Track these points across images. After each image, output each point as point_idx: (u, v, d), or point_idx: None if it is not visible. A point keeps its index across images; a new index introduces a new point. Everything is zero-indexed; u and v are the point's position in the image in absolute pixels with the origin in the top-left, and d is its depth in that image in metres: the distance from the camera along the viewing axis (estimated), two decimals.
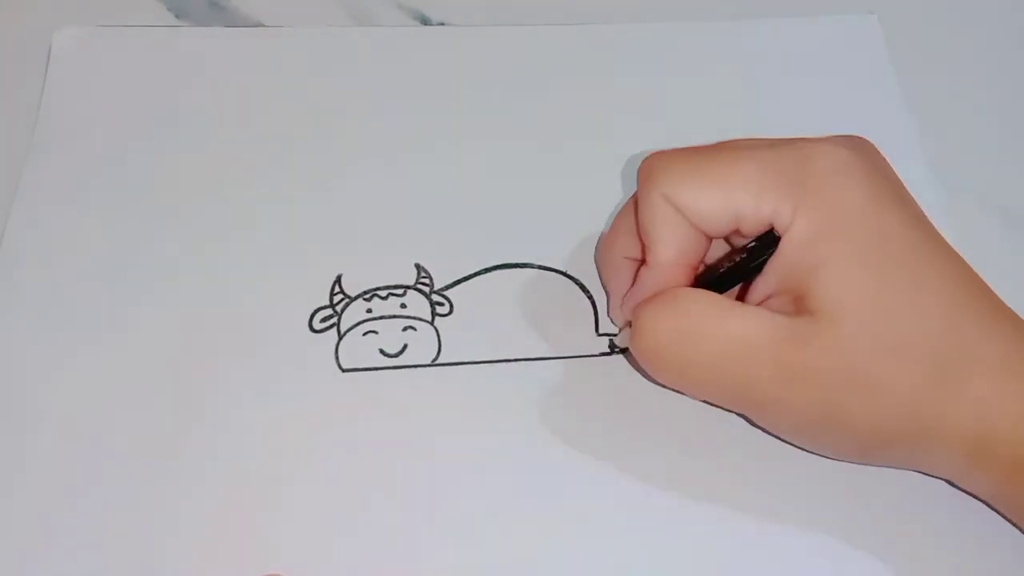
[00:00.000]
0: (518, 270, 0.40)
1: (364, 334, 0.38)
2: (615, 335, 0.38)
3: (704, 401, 0.35)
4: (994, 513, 0.34)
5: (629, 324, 0.35)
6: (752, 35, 0.46)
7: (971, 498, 0.34)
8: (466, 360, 0.38)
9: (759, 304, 0.33)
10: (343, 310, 0.39)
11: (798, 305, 0.32)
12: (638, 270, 0.36)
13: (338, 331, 0.38)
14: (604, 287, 0.39)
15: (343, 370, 0.37)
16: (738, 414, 0.36)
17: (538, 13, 0.47)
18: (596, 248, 0.40)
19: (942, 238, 0.33)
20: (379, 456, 0.36)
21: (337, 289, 0.39)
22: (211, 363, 0.37)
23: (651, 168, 0.34)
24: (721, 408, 0.36)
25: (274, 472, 0.35)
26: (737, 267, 0.34)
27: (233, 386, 0.37)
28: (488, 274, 0.40)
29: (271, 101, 0.44)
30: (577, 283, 0.40)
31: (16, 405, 0.36)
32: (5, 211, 0.40)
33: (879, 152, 0.34)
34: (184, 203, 0.41)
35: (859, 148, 0.33)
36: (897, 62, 0.45)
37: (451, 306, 0.39)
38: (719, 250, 0.36)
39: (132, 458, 0.35)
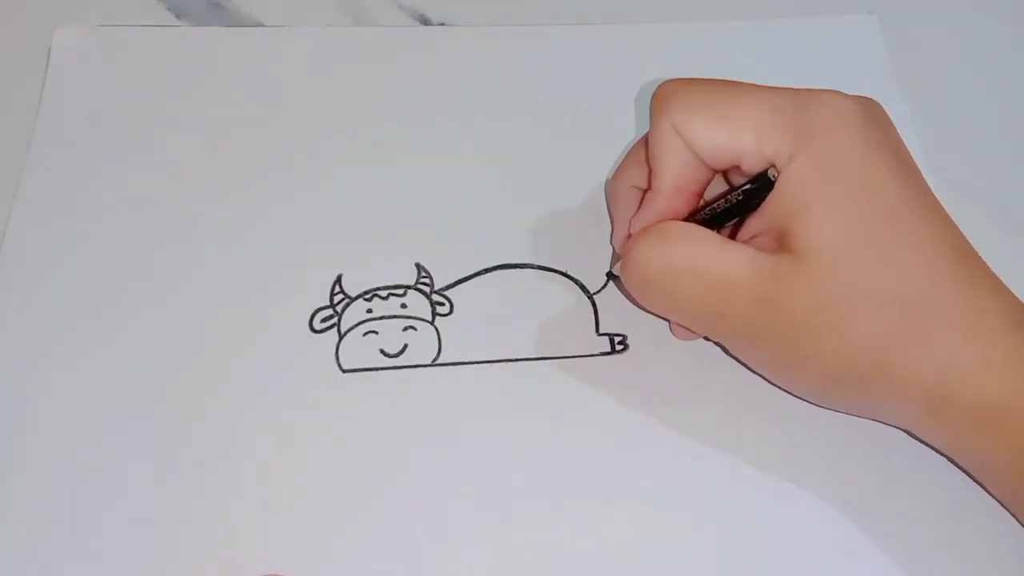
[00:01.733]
0: (518, 270, 0.40)
1: (364, 334, 0.38)
2: (616, 335, 0.38)
3: (685, 328, 0.37)
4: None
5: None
6: (752, 35, 0.46)
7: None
8: (466, 360, 0.38)
9: (748, 241, 0.34)
10: (343, 310, 0.39)
11: (781, 243, 0.33)
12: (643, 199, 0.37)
13: (338, 331, 0.38)
14: (611, 216, 0.40)
15: (343, 370, 0.37)
16: (715, 342, 0.38)
17: (538, 13, 0.47)
18: (607, 181, 0.41)
19: (932, 195, 0.34)
20: (379, 456, 0.36)
21: (337, 289, 0.39)
22: (212, 363, 0.37)
23: (664, 97, 0.35)
24: (705, 338, 0.38)
25: (274, 472, 0.35)
26: (731, 207, 0.35)
27: (233, 386, 0.37)
28: (488, 274, 0.40)
29: (271, 101, 0.44)
30: (577, 283, 0.40)
31: (16, 405, 0.36)
32: (5, 211, 0.40)
33: (882, 109, 0.35)
34: (184, 203, 0.41)
35: (861, 101, 0.34)
36: (897, 62, 0.45)
37: (451, 306, 0.39)
38: (720, 186, 0.37)
39: (132, 458, 0.35)
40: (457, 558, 0.34)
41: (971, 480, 0.35)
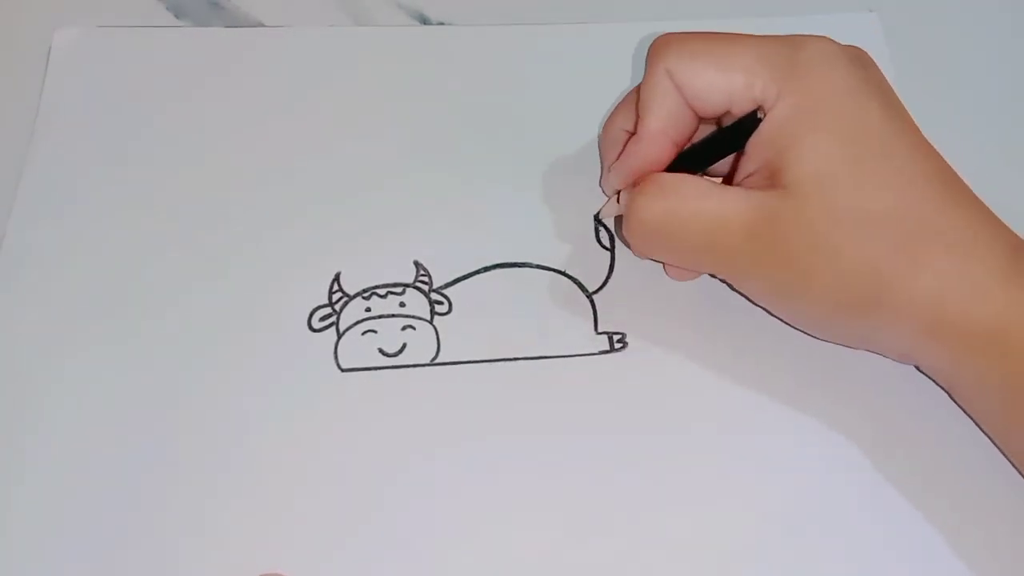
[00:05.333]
0: (517, 269, 0.40)
1: (363, 333, 0.38)
2: (615, 333, 0.38)
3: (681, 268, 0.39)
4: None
5: (616, 193, 0.39)
6: (752, 33, 0.46)
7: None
8: (465, 359, 0.38)
9: (743, 181, 0.36)
10: (342, 309, 0.39)
11: (773, 180, 0.34)
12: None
13: (337, 330, 0.38)
14: (601, 159, 0.41)
15: (342, 370, 0.37)
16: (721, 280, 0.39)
17: (538, 13, 0.47)
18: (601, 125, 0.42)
19: (919, 131, 0.35)
20: (378, 455, 0.36)
21: (336, 287, 0.39)
22: (210, 362, 0.37)
23: (660, 46, 0.37)
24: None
25: (273, 471, 0.35)
26: (717, 141, 0.37)
27: (232, 385, 0.37)
28: (487, 273, 0.39)
29: (271, 101, 0.44)
30: (576, 283, 0.40)
31: (17, 405, 0.36)
32: (6, 211, 0.40)
33: (868, 55, 0.36)
34: (183, 202, 0.41)
35: (847, 46, 0.36)
36: (897, 61, 0.45)
37: (450, 305, 0.39)
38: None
39: (132, 457, 0.35)
40: (456, 557, 0.34)
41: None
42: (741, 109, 0.35)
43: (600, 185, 0.41)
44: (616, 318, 0.39)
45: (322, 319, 0.38)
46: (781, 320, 0.38)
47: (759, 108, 0.35)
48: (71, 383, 0.37)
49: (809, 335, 0.37)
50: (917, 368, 0.37)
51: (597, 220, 0.41)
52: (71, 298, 0.39)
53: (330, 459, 0.36)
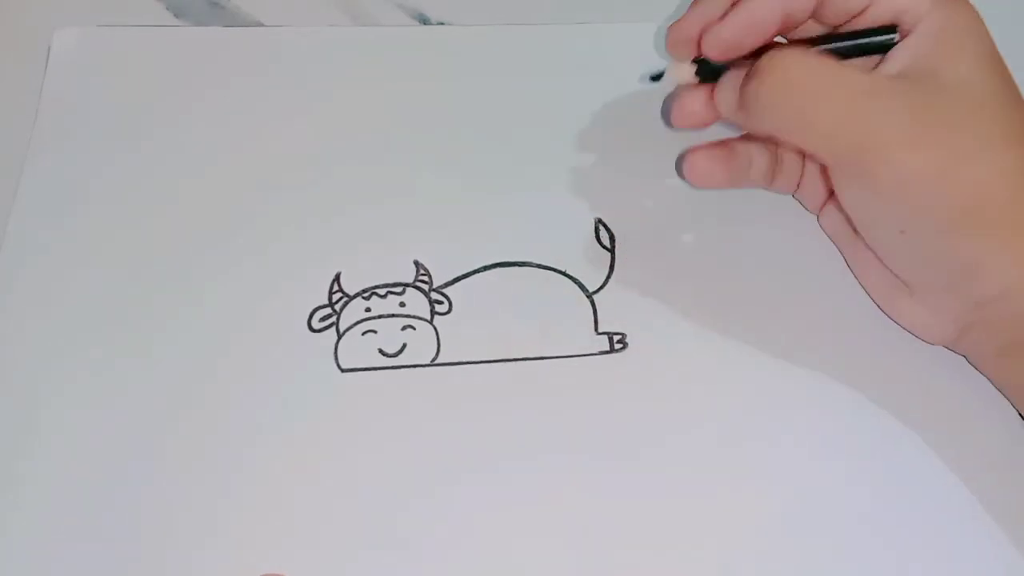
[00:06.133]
0: (517, 269, 0.40)
1: (363, 333, 0.38)
2: (615, 333, 0.38)
3: (805, 152, 0.38)
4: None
5: (695, 62, 0.37)
6: None
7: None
8: (465, 360, 0.38)
9: None
10: (342, 309, 0.39)
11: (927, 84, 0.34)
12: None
13: (337, 330, 0.38)
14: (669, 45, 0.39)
15: (342, 370, 0.37)
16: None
17: (538, 13, 0.47)
18: None
19: None
20: (378, 456, 0.36)
21: (336, 287, 0.39)
22: (211, 362, 0.37)
23: None
24: (822, 159, 0.35)
25: (273, 472, 0.35)
26: (842, 46, 0.35)
27: (232, 385, 0.37)
28: (487, 272, 0.39)
29: (270, 100, 0.44)
30: (576, 282, 0.40)
31: (17, 405, 0.36)
32: (5, 211, 0.40)
33: None
34: (183, 203, 0.41)
35: None
36: None
37: (450, 305, 0.39)
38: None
39: (131, 458, 0.35)
40: (456, 557, 0.34)
41: None
42: (880, 10, 0.35)
43: (667, 46, 0.39)
44: (616, 318, 0.39)
45: (322, 319, 0.38)
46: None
47: (895, 26, 0.35)
48: (71, 384, 0.37)
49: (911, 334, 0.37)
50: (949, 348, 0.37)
51: (598, 220, 0.41)
52: (71, 298, 0.39)
53: (330, 459, 0.36)
